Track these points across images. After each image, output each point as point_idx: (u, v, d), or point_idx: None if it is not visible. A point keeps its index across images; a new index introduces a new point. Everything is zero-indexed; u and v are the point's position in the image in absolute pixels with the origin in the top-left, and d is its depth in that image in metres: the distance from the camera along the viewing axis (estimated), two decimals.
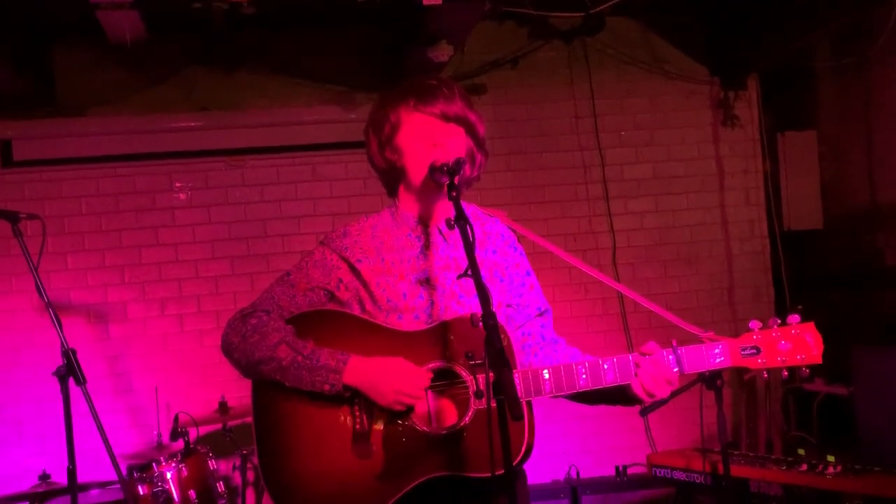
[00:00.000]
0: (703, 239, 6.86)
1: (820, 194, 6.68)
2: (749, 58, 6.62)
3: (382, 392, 2.61)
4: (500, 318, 2.66)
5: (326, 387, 2.63)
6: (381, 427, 2.65)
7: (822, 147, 6.69)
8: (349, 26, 6.36)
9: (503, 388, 2.28)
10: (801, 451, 5.11)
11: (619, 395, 2.70)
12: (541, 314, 2.90)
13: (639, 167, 6.80)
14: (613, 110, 6.77)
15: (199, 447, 5.21)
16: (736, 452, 5.37)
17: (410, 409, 2.63)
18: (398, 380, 2.59)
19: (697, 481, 5.19)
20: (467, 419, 2.59)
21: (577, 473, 6.04)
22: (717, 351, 2.64)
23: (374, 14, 6.04)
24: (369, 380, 2.62)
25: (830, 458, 4.80)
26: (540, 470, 5.75)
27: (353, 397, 2.66)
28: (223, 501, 5.14)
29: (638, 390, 2.63)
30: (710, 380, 4.45)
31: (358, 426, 2.65)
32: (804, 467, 4.84)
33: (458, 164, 2.61)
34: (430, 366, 2.64)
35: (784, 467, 4.92)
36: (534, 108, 6.71)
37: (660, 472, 5.41)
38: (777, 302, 6.81)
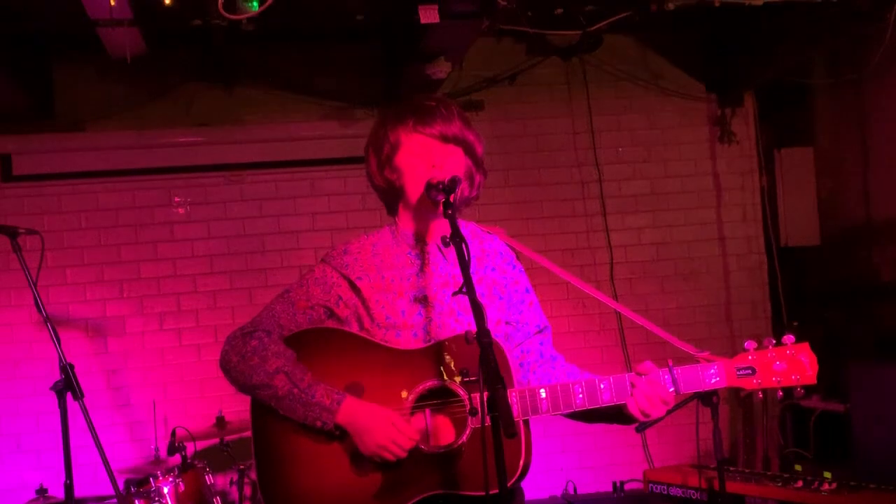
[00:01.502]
0: (700, 255, 6.88)
1: (817, 210, 6.72)
2: (746, 75, 6.65)
3: (366, 442, 2.64)
4: (499, 336, 2.69)
5: (318, 423, 2.67)
6: None
7: (819, 163, 6.72)
8: (348, 43, 6.38)
9: (497, 406, 2.30)
10: (798, 468, 5.12)
11: (614, 415, 2.71)
12: (540, 331, 2.91)
13: (636, 183, 6.83)
14: (611, 126, 6.79)
15: (196, 462, 5.20)
16: (732, 469, 5.38)
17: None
18: (383, 436, 2.61)
19: (694, 497, 5.20)
20: (464, 438, 2.60)
21: (575, 489, 6.04)
22: (712, 371, 2.66)
23: (373, 31, 6.07)
24: (357, 427, 2.65)
25: (827, 475, 4.81)
26: (537, 486, 5.76)
27: None
28: None
29: (633, 410, 2.65)
30: (707, 396, 4.43)
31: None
32: (800, 484, 4.85)
33: (454, 181, 2.64)
34: (427, 385, 2.66)
35: (780, 483, 4.93)
36: (531, 124, 6.74)
37: (656, 489, 5.41)
38: (774, 318, 6.83)
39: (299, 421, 2.68)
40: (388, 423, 2.62)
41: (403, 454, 2.62)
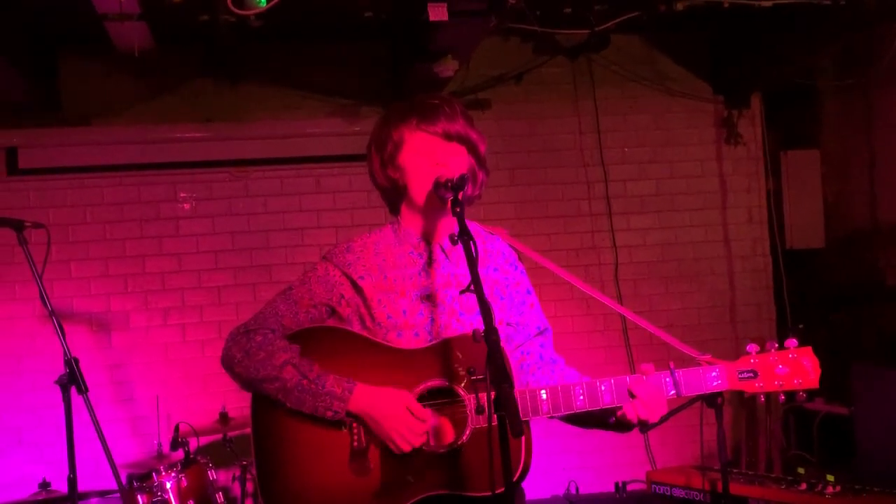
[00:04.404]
0: (705, 256, 6.87)
1: (822, 213, 6.71)
2: (753, 76, 6.64)
3: (381, 433, 2.62)
4: (500, 337, 2.68)
5: (329, 413, 2.64)
6: (379, 444, 2.65)
7: (825, 166, 6.71)
8: (355, 40, 6.38)
9: (504, 405, 2.30)
10: (801, 470, 5.12)
11: (612, 420, 2.72)
12: (540, 333, 2.91)
13: (642, 184, 6.82)
14: (617, 127, 6.79)
15: (199, 457, 5.21)
16: (735, 471, 5.37)
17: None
18: (396, 428, 2.60)
19: (696, 499, 5.19)
20: (465, 437, 2.60)
21: (577, 489, 6.04)
22: (714, 374, 2.66)
23: (381, 28, 6.06)
24: (370, 415, 2.64)
25: (830, 478, 4.80)
26: (539, 486, 5.75)
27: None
28: None
29: (632, 417, 2.65)
30: (711, 398, 4.43)
31: (356, 443, 2.65)
32: (803, 486, 4.85)
33: (463, 180, 2.63)
34: (429, 384, 2.66)
35: (783, 486, 4.93)
36: (538, 123, 6.74)
37: (659, 489, 5.41)
38: (778, 320, 6.82)
39: (308, 412, 2.65)
40: (400, 412, 2.60)
41: (417, 444, 2.60)
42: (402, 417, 2.60)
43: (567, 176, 6.74)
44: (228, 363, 2.78)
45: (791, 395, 2.63)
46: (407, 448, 2.61)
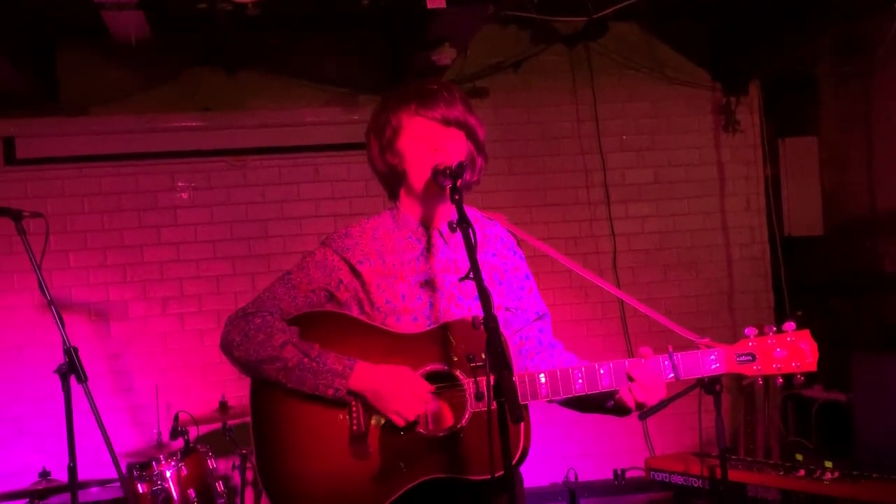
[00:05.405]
0: (703, 244, 6.87)
1: (820, 200, 6.70)
2: (751, 64, 6.64)
3: (384, 407, 2.62)
4: (499, 322, 2.68)
5: (330, 391, 2.64)
6: (379, 428, 2.66)
7: (824, 153, 6.70)
8: (353, 28, 6.38)
9: (504, 391, 2.30)
10: (799, 457, 5.13)
11: (610, 403, 2.72)
12: (539, 318, 2.91)
13: (640, 171, 6.82)
14: (615, 114, 6.78)
15: (198, 446, 5.23)
16: (734, 457, 5.39)
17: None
18: (399, 398, 2.60)
19: (695, 485, 5.21)
20: (464, 421, 2.60)
21: (576, 476, 6.06)
22: (712, 357, 2.66)
23: (378, 16, 6.05)
24: (373, 390, 2.63)
25: (828, 464, 4.82)
26: (538, 473, 5.77)
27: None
28: (222, 501, 5.15)
29: (626, 396, 2.65)
30: (709, 385, 4.44)
31: (355, 427, 2.66)
32: (802, 473, 4.86)
33: (461, 167, 2.63)
34: (428, 368, 2.66)
35: (782, 472, 4.94)
36: (536, 111, 6.73)
37: (658, 476, 5.43)
38: (776, 307, 6.83)
39: (309, 392, 2.66)
40: (402, 386, 2.60)
41: (420, 416, 2.61)
42: (404, 387, 2.60)
43: (565, 164, 6.74)
44: (227, 347, 2.79)
45: (789, 378, 2.64)
46: (412, 416, 2.60)
